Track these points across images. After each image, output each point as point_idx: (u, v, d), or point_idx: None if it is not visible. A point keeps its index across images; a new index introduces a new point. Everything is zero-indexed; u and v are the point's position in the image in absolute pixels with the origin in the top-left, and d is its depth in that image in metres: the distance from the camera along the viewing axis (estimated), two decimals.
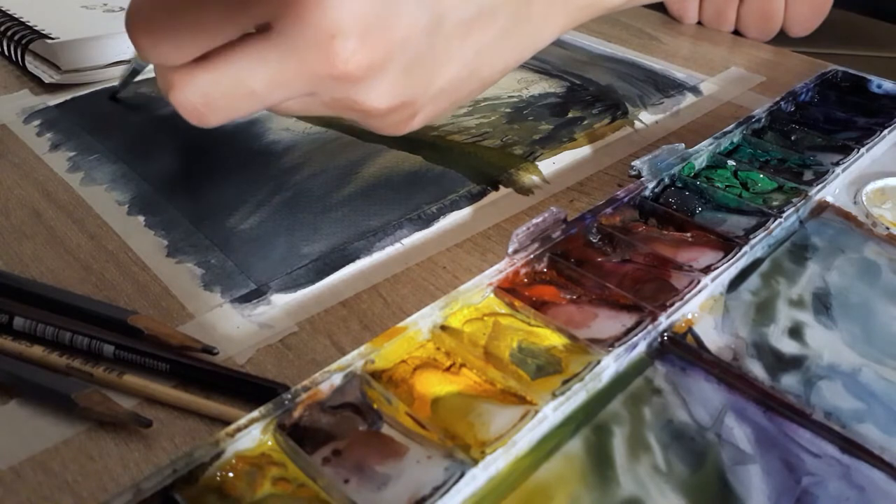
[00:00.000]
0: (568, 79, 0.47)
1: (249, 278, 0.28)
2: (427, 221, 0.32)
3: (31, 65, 0.43)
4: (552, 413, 0.22)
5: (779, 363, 0.25)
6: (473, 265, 0.30)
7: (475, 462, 0.20)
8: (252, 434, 0.20)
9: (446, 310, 0.25)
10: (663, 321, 0.25)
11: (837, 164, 0.35)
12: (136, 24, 0.22)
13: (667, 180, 0.33)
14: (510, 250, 0.27)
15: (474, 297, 0.26)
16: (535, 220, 0.28)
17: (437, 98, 0.26)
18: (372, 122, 0.26)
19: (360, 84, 0.23)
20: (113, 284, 0.28)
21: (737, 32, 0.56)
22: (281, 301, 0.27)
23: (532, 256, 0.27)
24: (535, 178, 0.36)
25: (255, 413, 0.21)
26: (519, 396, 0.22)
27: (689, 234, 0.30)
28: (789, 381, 0.24)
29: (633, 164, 0.33)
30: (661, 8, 0.59)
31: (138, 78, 0.44)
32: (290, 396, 0.21)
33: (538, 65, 0.48)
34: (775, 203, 0.32)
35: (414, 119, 0.27)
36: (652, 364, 0.25)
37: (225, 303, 0.27)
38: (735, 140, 0.37)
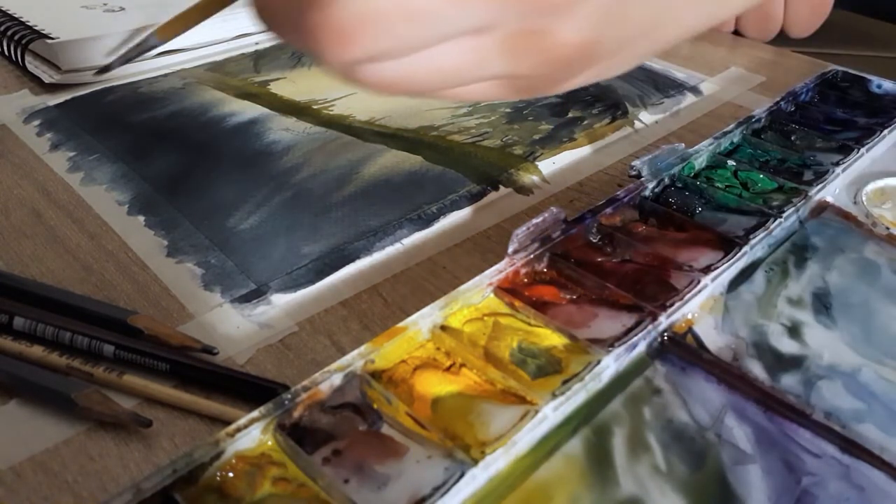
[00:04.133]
0: None
1: (249, 278, 0.28)
2: (427, 221, 0.32)
3: (31, 65, 0.43)
4: (552, 413, 0.22)
5: (779, 363, 0.25)
6: (473, 265, 0.30)
7: (475, 462, 0.20)
8: (252, 434, 0.20)
9: (446, 310, 0.25)
10: (663, 321, 0.25)
11: (837, 164, 0.35)
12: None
13: (667, 180, 0.33)
14: (510, 250, 0.27)
15: (474, 297, 0.26)
16: (535, 220, 0.28)
17: (616, 50, 0.23)
18: (545, 69, 0.22)
19: (557, 10, 0.20)
20: (113, 284, 0.28)
21: (737, 32, 0.56)
22: (281, 301, 0.27)
23: (532, 256, 0.27)
24: (535, 178, 0.36)
25: (255, 413, 0.21)
26: (519, 396, 0.22)
27: (689, 234, 0.30)
28: (789, 381, 0.24)
29: (633, 164, 0.32)
30: None
31: (135, 79, 0.44)
32: (290, 396, 0.21)
33: None
34: (775, 203, 0.32)
35: (583, 73, 0.23)
36: (652, 364, 0.25)
37: (225, 303, 0.27)
38: (735, 140, 0.37)
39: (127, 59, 0.38)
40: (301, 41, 0.20)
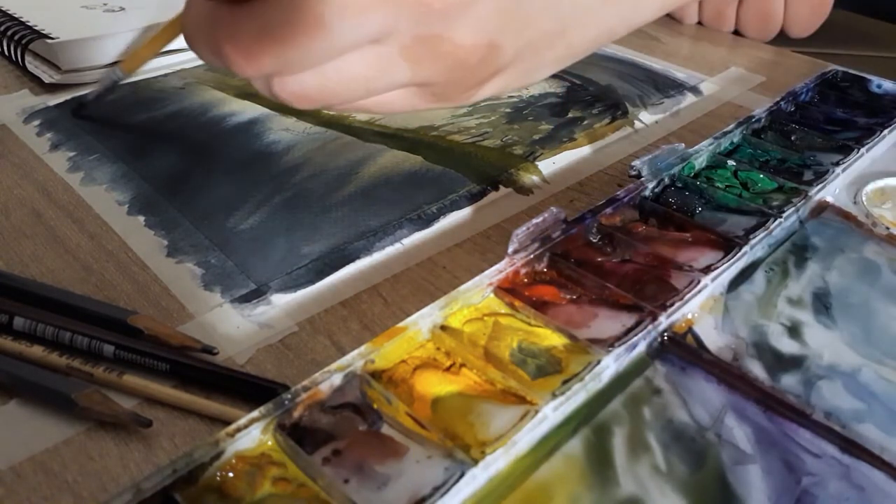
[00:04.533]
0: (568, 79, 0.47)
1: (249, 278, 0.28)
2: (427, 221, 0.32)
3: (31, 65, 0.43)
4: (552, 413, 0.22)
5: (779, 363, 0.25)
6: (473, 265, 0.30)
7: (475, 462, 0.20)
8: (252, 434, 0.20)
9: (446, 310, 0.25)
10: (663, 321, 0.25)
11: (837, 164, 0.35)
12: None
13: (667, 180, 0.33)
14: (510, 250, 0.27)
15: (474, 297, 0.26)
16: (535, 220, 0.28)
17: (522, 55, 0.24)
18: (450, 74, 0.23)
19: (449, 15, 0.21)
20: (113, 284, 0.28)
21: (737, 32, 0.56)
22: (281, 301, 0.27)
23: (532, 256, 0.27)
24: (535, 178, 0.36)
25: (255, 413, 0.21)
26: (519, 396, 0.22)
27: (689, 234, 0.30)
28: (789, 381, 0.24)
29: (633, 164, 0.32)
30: None
31: (136, 78, 0.44)
32: (290, 396, 0.21)
33: None
34: (775, 203, 0.32)
35: (493, 79, 0.24)
36: (652, 364, 0.25)
37: (225, 303, 0.27)
38: (735, 140, 0.37)
39: (99, 96, 0.39)
40: (216, 60, 0.21)
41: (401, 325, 0.24)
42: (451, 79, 0.23)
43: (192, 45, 0.22)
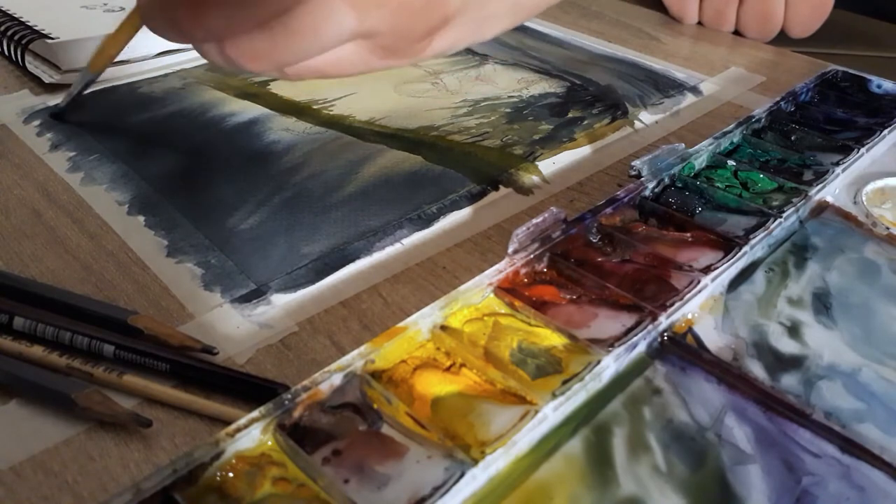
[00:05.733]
0: (568, 79, 0.47)
1: (249, 278, 0.28)
2: (427, 221, 0.32)
3: (31, 65, 0.43)
4: (552, 413, 0.22)
5: (779, 363, 0.25)
6: (473, 265, 0.30)
7: (475, 462, 0.20)
8: (252, 434, 0.20)
9: (446, 310, 0.25)
10: (663, 321, 0.25)
11: (837, 164, 0.35)
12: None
13: (667, 180, 0.33)
14: (510, 250, 0.27)
15: (474, 297, 0.26)
16: (535, 220, 0.28)
17: (469, 3, 0.24)
18: (396, 20, 0.23)
19: None
20: (113, 284, 0.28)
21: (737, 32, 0.56)
22: (281, 301, 0.27)
23: (532, 256, 0.27)
24: (535, 178, 0.36)
25: (255, 413, 0.21)
26: (519, 396, 0.22)
27: (689, 234, 0.30)
28: (789, 381, 0.24)
29: (633, 164, 0.32)
30: (661, 8, 0.59)
31: (135, 79, 0.44)
32: (290, 396, 0.21)
33: (538, 65, 0.48)
34: (775, 203, 0.32)
35: (442, 31, 0.24)
36: (652, 364, 0.25)
37: (225, 303, 0.27)
38: (735, 140, 0.37)
39: (73, 97, 0.39)
40: (168, 28, 0.22)
41: (401, 325, 0.24)
42: (398, 26, 0.23)
43: (148, 22, 0.23)
